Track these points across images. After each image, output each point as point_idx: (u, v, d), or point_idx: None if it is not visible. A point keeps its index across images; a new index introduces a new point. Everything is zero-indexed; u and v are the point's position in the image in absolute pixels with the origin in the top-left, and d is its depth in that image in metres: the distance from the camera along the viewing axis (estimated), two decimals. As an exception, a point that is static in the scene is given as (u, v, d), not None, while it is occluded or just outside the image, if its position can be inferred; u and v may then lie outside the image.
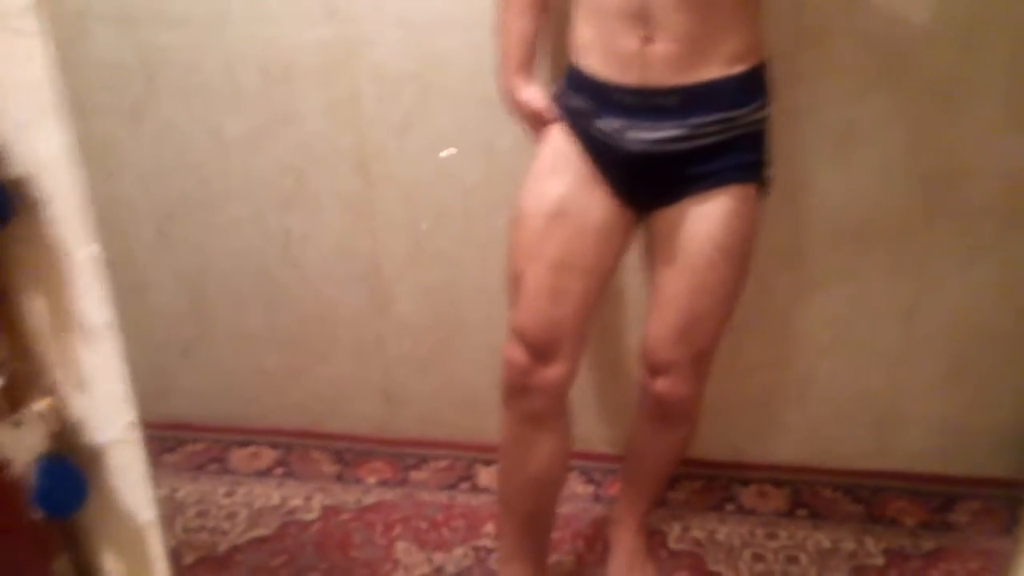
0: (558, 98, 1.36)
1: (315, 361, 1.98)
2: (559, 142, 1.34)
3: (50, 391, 0.68)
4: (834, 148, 1.62)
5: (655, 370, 1.39)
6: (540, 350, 1.31)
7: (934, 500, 1.84)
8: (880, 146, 1.60)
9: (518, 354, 1.32)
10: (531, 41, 1.41)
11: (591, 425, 1.92)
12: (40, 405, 0.68)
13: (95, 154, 1.76)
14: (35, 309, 0.66)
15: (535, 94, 1.39)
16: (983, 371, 1.76)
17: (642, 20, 1.19)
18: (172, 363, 2.02)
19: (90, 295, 0.65)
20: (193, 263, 1.90)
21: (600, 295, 1.37)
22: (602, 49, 1.25)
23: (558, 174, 1.33)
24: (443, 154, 1.67)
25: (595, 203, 1.31)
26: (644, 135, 1.25)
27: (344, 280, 1.87)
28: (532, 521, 1.49)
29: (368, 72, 1.65)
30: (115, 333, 0.67)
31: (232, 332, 1.98)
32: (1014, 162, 1.58)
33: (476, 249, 1.78)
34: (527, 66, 1.41)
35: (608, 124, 1.27)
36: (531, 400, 1.34)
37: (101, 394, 0.70)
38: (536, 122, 1.40)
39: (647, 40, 1.20)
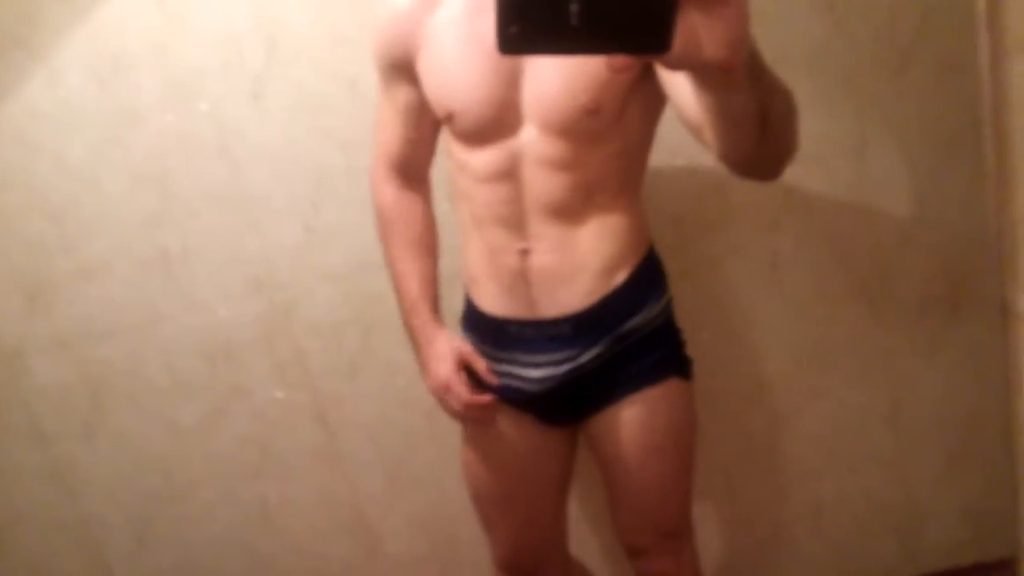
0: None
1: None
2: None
3: None
4: (765, 278, 1.67)
5: (631, 553, 1.40)
6: (527, 572, 1.43)
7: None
8: (807, 266, 1.66)
9: None
10: (433, 282, 1.36)
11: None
12: None
13: (56, 479, 1.74)
14: None
15: (461, 341, 1.33)
16: (984, 453, 1.74)
17: (518, 230, 1.21)
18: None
19: None
20: (173, 560, 1.83)
21: (562, 506, 1.46)
22: (488, 274, 1.26)
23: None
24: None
25: (523, 437, 1.35)
26: (544, 372, 1.27)
27: (328, 533, 1.82)
28: None
29: (306, 329, 1.69)
30: None
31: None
32: (941, 245, 1.64)
33: (451, 467, 1.76)
34: (437, 310, 1.35)
35: (508, 367, 1.30)
36: None
37: None
38: (460, 386, 1.31)
39: (524, 253, 1.21)
